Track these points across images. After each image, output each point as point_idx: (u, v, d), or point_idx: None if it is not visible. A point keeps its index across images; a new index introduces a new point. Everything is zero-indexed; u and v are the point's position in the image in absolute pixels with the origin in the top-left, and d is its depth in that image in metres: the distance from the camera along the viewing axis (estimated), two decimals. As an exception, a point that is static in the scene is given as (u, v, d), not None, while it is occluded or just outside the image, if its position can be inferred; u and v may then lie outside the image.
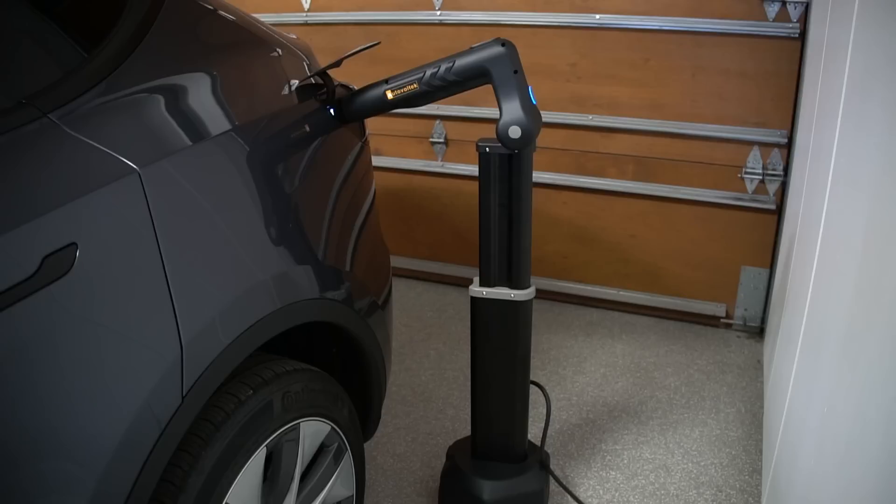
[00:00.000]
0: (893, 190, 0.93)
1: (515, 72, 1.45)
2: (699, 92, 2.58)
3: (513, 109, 1.45)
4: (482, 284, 1.69)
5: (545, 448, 1.93)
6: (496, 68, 1.45)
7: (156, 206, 1.03)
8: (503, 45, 1.45)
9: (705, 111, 2.59)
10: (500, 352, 1.74)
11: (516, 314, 1.69)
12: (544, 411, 2.01)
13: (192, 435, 1.12)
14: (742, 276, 2.73)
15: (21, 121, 0.94)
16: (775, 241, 2.64)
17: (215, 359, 1.10)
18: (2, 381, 0.85)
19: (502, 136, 1.47)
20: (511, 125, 1.45)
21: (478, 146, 1.60)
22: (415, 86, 1.51)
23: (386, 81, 1.53)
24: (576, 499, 1.92)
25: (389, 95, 1.52)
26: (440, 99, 1.54)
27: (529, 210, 1.62)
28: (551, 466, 1.93)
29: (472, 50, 1.48)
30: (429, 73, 1.49)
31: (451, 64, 1.48)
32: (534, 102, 1.48)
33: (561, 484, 1.93)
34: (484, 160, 1.60)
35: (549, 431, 2.04)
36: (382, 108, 1.55)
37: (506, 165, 1.58)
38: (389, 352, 1.71)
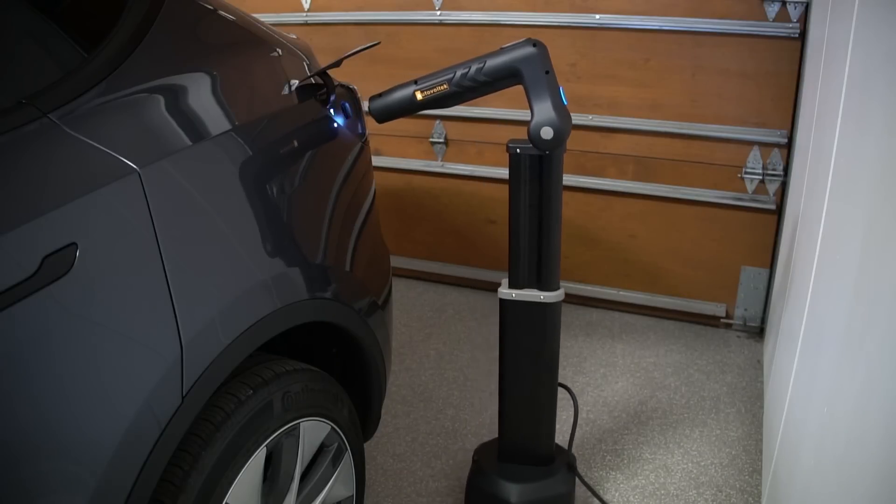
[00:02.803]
0: (893, 190, 0.93)
1: (547, 72, 1.44)
2: (699, 92, 2.57)
3: (545, 110, 1.44)
4: (511, 286, 1.67)
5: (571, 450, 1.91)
6: (528, 69, 1.44)
7: (156, 206, 1.03)
8: (534, 45, 1.44)
9: (705, 111, 2.59)
10: (528, 354, 1.72)
11: (545, 316, 1.67)
12: (566, 412, 2.00)
13: (192, 435, 1.11)
14: (742, 276, 2.73)
15: (21, 121, 0.94)
16: (775, 241, 2.64)
17: (215, 359, 1.10)
18: (2, 380, 0.85)
19: (534, 137, 1.46)
20: (543, 126, 1.44)
21: (508, 147, 1.58)
22: (445, 86, 1.49)
23: (415, 82, 1.52)
24: (603, 502, 1.92)
25: (419, 96, 1.51)
26: (470, 100, 1.53)
27: (559, 211, 1.60)
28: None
29: (503, 50, 1.47)
30: (459, 73, 1.48)
31: (481, 64, 1.47)
32: (565, 103, 1.47)
33: (589, 487, 1.92)
34: (514, 161, 1.58)
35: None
36: (411, 108, 1.54)
37: (536, 167, 1.57)
38: (389, 352, 1.71)
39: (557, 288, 1.67)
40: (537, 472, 1.80)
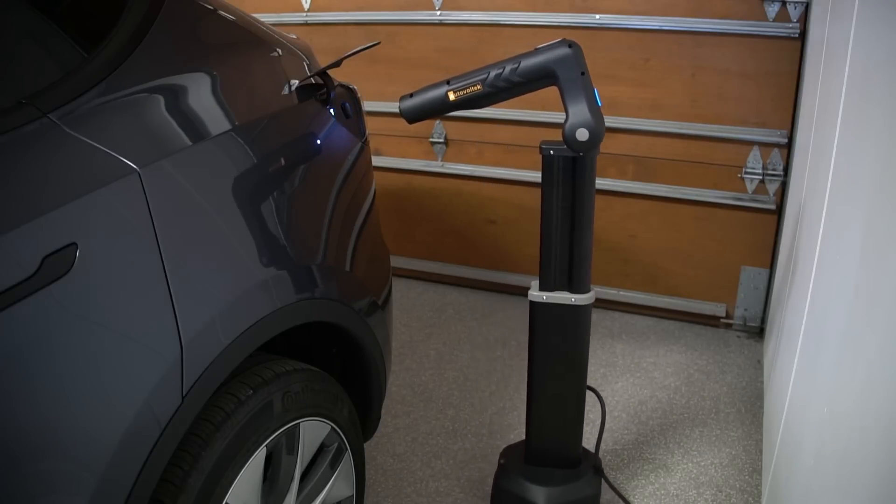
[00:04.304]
0: (893, 190, 0.93)
1: (582, 73, 1.44)
2: (699, 92, 2.57)
3: (580, 112, 1.44)
4: (542, 289, 1.66)
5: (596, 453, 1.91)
6: (563, 70, 1.44)
7: (156, 206, 1.03)
8: (570, 46, 1.43)
9: (705, 111, 2.59)
10: (557, 356, 1.71)
11: (575, 319, 1.66)
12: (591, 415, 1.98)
13: (192, 435, 1.12)
14: (742, 275, 2.73)
15: (21, 121, 0.94)
16: (775, 241, 2.64)
17: (215, 359, 1.10)
18: (2, 380, 0.85)
19: (569, 139, 1.45)
20: (579, 127, 1.44)
21: (541, 148, 1.57)
22: (478, 87, 1.48)
23: (447, 82, 1.50)
24: None
25: (452, 97, 1.50)
26: (503, 101, 1.52)
27: (592, 214, 1.59)
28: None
29: (538, 51, 1.46)
30: (493, 73, 1.47)
31: (516, 65, 1.46)
32: (599, 104, 1.46)
33: (616, 490, 1.91)
34: (547, 162, 1.57)
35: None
36: (443, 109, 1.53)
37: (569, 168, 1.56)
38: (389, 352, 1.71)
39: (588, 290, 1.65)
40: (564, 475, 1.79)
